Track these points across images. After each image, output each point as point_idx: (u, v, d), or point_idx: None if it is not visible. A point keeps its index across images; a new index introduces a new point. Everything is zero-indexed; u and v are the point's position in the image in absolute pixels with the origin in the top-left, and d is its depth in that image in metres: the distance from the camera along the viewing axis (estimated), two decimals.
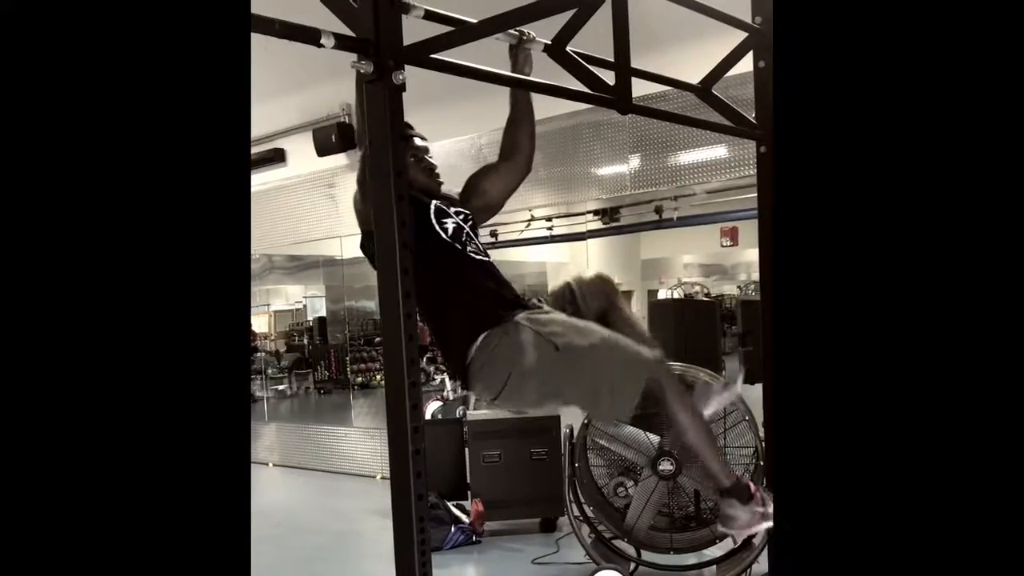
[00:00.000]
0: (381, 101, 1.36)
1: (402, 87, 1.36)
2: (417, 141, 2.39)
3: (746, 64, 2.26)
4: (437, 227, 2.23)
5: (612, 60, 1.80)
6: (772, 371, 2.13)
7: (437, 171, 2.41)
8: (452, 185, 2.49)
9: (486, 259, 2.30)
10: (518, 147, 2.38)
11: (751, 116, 2.22)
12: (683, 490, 3.81)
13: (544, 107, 5.30)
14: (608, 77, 1.78)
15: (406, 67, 1.37)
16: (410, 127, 2.35)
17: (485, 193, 2.43)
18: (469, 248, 2.26)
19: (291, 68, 5.77)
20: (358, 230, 2.28)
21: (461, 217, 2.31)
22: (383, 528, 1.44)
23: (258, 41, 1.31)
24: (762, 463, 3.55)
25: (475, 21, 1.65)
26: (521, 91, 2.20)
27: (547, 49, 1.80)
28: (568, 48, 1.78)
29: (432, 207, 2.27)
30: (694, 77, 2.24)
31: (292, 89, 6.51)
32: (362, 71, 1.35)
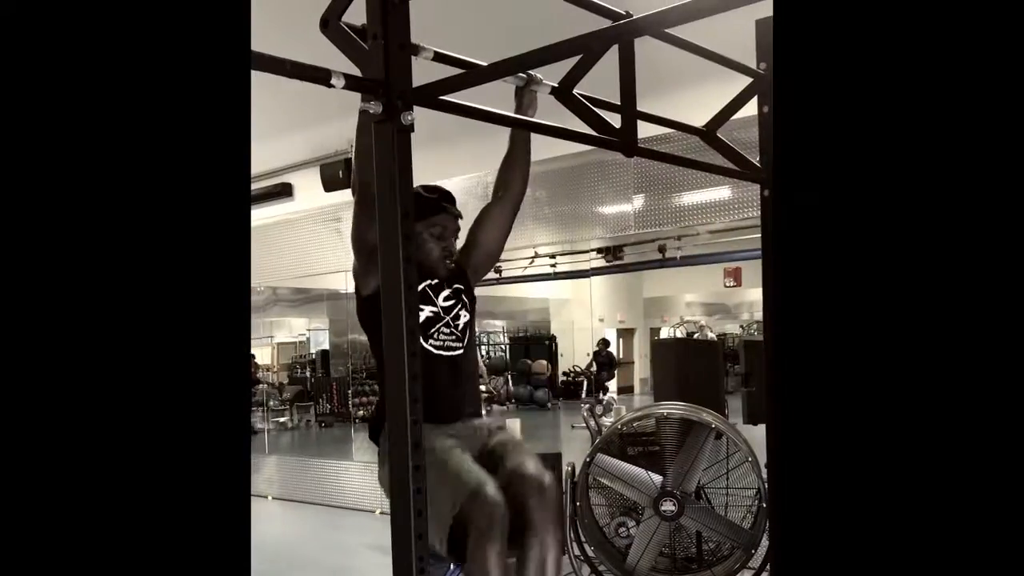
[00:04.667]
0: (389, 141, 1.37)
1: (411, 127, 1.38)
2: (448, 221, 2.37)
3: (751, 108, 2.29)
4: None
5: (618, 103, 1.82)
6: (772, 410, 2.12)
7: (454, 255, 2.39)
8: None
9: (451, 354, 2.29)
10: (508, 186, 2.41)
11: (755, 159, 2.24)
12: (685, 531, 3.78)
13: (550, 147, 5.36)
14: (614, 120, 1.80)
15: (415, 107, 1.39)
16: (451, 201, 2.39)
17: (481, 244, 2.45)
18: (432, 341, 2.27)
19: (300, 104, 5.84)
20: None
21: (450, 302, 2.31)
22: (381, 565, 1.43)
23: (268, 81, 1.33)
24: (764, 505, 3.52)
25: (484, 64, 1.68)
26: (520, 131, 2.20)
27: (554, 92, 1.83)
28: (575, 91, 1.80)
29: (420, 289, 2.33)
30: (699, 121, 2.26)
31: (300, 125, 6.58)
32: (371, 111, 1.37)
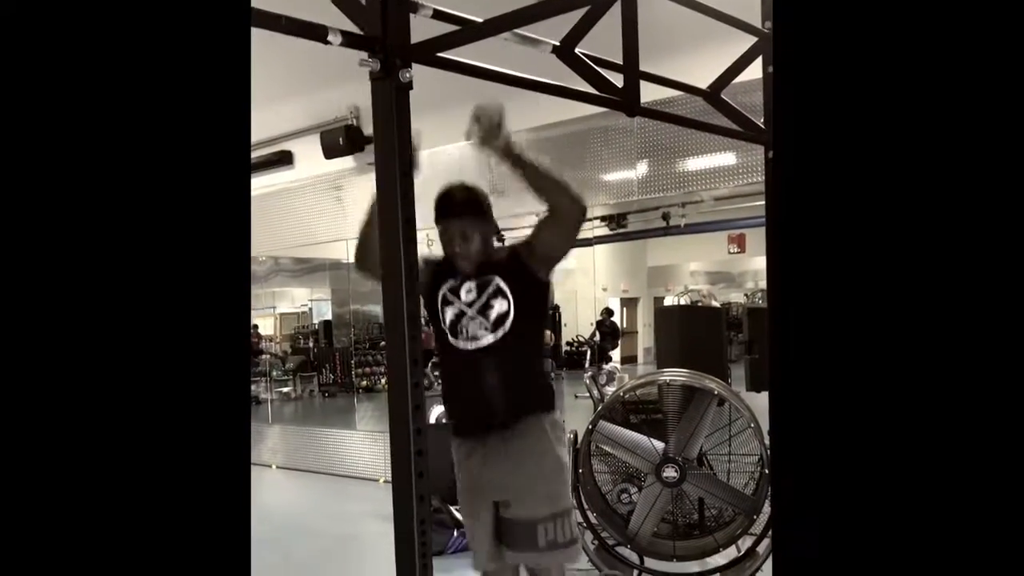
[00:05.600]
0: (388, 99, 1.35)
1: (409, 85, 1.35)
2: (444, 229, 2.31)
3: (756, 70, 2.25)
4: (440, 313, 2.31)
5: (620, 63, 1.79)
6: (774, 378, 2.11)
7: (472, 255, 2.30)
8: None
9: (478, 344, 2.25)
10: (550, 206, 2.21)
11: (760, 122, 2.21)
12: (687, 497, 3.79)
13: (553, 112, 5.32)
14: (617, 80, 1.77)
15: (415, 67, 1.36)
16: (442, 209, 2.30)
17: (538, 245, 2.30)
18: (460, 338, 2.26)
19: (299, 71, 5.79)
20: None
21: (472, 295, 2.27)
22: (385, 533, 1.43)
23: (267, 45, 1.30)
24: (767, 471, 3.53)
25: (483, 20, 1.65)
26: (521, 167, 2.08)
27: (556, 50, 1.80)
28: (577, 50, 1.77)
29: (441, 294, 2.31)
30: (703, 83, 2.23)
31: (300, 92, 6.53)
32: (369, 69, 1.35)
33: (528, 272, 2.27)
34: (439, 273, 2.36)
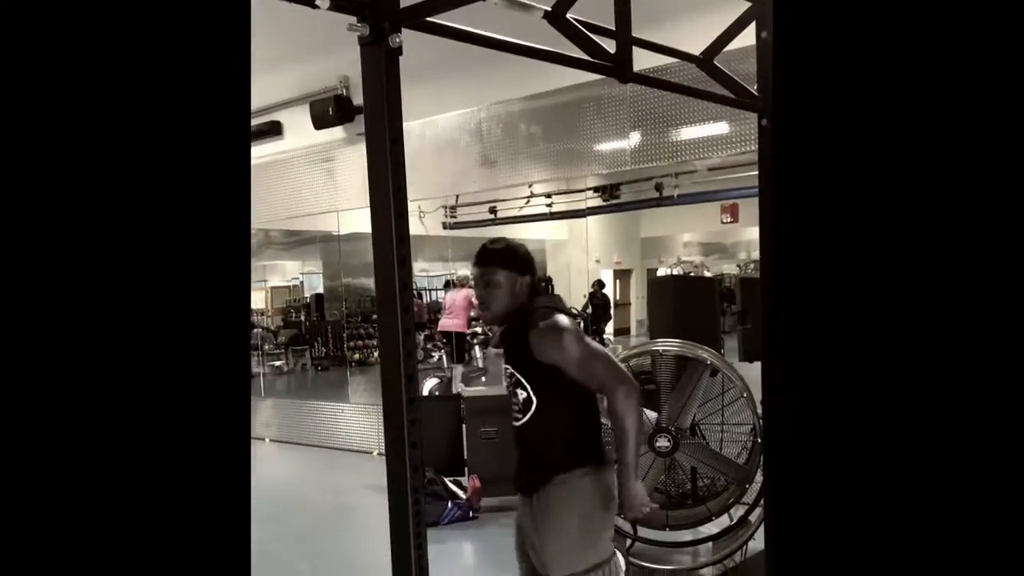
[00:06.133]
0: (377, 65, 1.33)
1: (399, 50, 1.33)
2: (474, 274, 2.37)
3: (749, 38, 2.22)
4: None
5: (613, 28, 1.76)
6: (768, 348, 2.10)
7: (488, 309, 2.36)
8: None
9: (519, 426, 2.32)
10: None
11: (753, 89, 2.18)
12: (680, 467, 3.80)
13: (546, 81, 5.26)
14: (609, 46, 1.75)
15: (405, 33, 1.34)
16: (477, 258, 2.35)
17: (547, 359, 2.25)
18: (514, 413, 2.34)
19: (288, 39, 5.72)
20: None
21: (507, 380, 2.34)
22: (380, 504, 1.42)
23: (254, 4, 1.27)
24: (759, 440, 3.54)
25: None
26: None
27: (547, 15, 1.76)
28: (568, 15, 1.74)
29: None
30: (696, 51, 2.20)
31: (289, 61, 6.45)
32: (358, 33, 1.32)
33: (531, 368, 2.27)
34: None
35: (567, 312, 2.28)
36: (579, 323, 2.29)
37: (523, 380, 2.27)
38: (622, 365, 2.24)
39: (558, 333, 2.16)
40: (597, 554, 2.21)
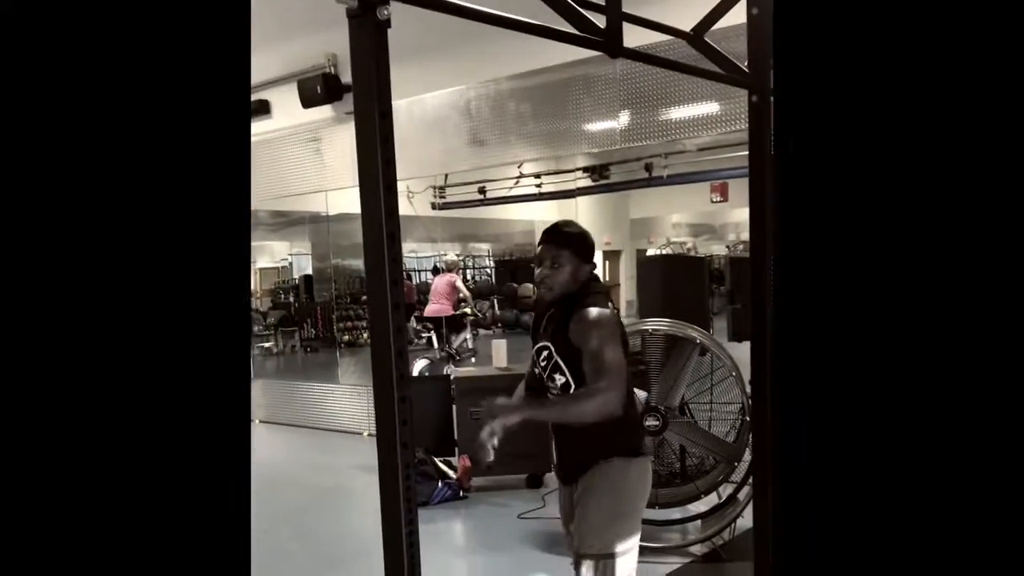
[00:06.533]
0: (366, 38, 1.31)
1: (387, 23, 1.31)
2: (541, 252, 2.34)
3: (739, 15, 2.21)
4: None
5: (603, 3, 1.75)
6: (758, 329, 2.10)
7: (552, 288, 2.32)
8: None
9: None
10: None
11: (744, 65, 2.17)
12: (669, 445, 3.82)
13: (536, 59, 5.22)
14: (599, 21, 1.73)
15: (393, 6, 1.32)
16: (546, 234, 2.33)
17: (578, 347, 2.25)
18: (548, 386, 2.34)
19: (275, 16, 5.65)
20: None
21: (544, 363, 2.32)
22: (370, 483, 1.42)
23: None
24: (747, 419, 3.55)
25: None
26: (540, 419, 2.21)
27: None
28: None
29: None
30: (687, 27, 2.18)
31: (276, 39, 6.37)
32: (346, 6, 1.30)
33: (570, 349, 2.25)
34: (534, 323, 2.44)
35: (612, 307, 2.24)
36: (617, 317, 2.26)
37: (563, 365, 2.26)
38: (625, 385, 2.18)
39: (591, 322, 2.14)
40: (624, 542, 2.22)
